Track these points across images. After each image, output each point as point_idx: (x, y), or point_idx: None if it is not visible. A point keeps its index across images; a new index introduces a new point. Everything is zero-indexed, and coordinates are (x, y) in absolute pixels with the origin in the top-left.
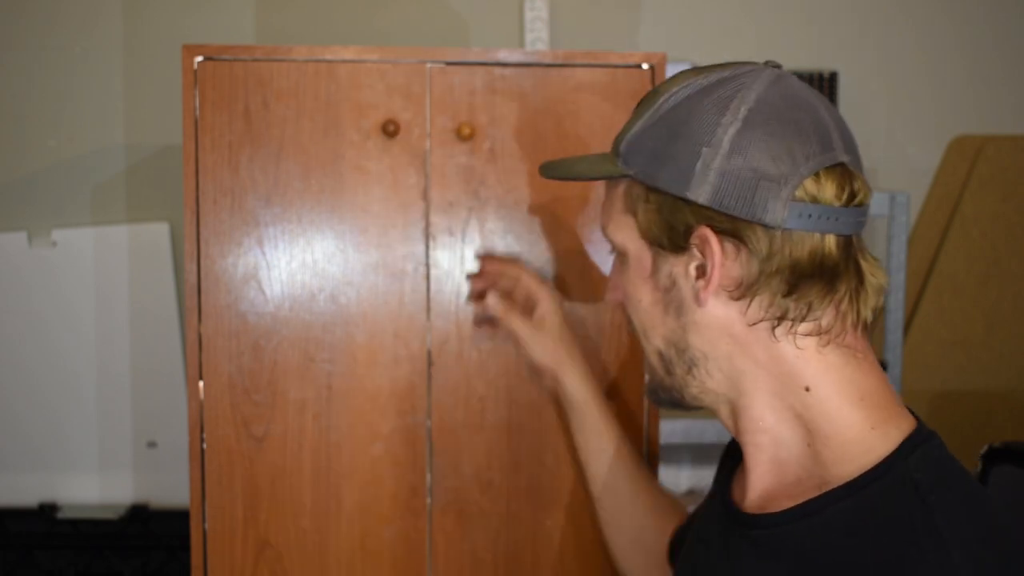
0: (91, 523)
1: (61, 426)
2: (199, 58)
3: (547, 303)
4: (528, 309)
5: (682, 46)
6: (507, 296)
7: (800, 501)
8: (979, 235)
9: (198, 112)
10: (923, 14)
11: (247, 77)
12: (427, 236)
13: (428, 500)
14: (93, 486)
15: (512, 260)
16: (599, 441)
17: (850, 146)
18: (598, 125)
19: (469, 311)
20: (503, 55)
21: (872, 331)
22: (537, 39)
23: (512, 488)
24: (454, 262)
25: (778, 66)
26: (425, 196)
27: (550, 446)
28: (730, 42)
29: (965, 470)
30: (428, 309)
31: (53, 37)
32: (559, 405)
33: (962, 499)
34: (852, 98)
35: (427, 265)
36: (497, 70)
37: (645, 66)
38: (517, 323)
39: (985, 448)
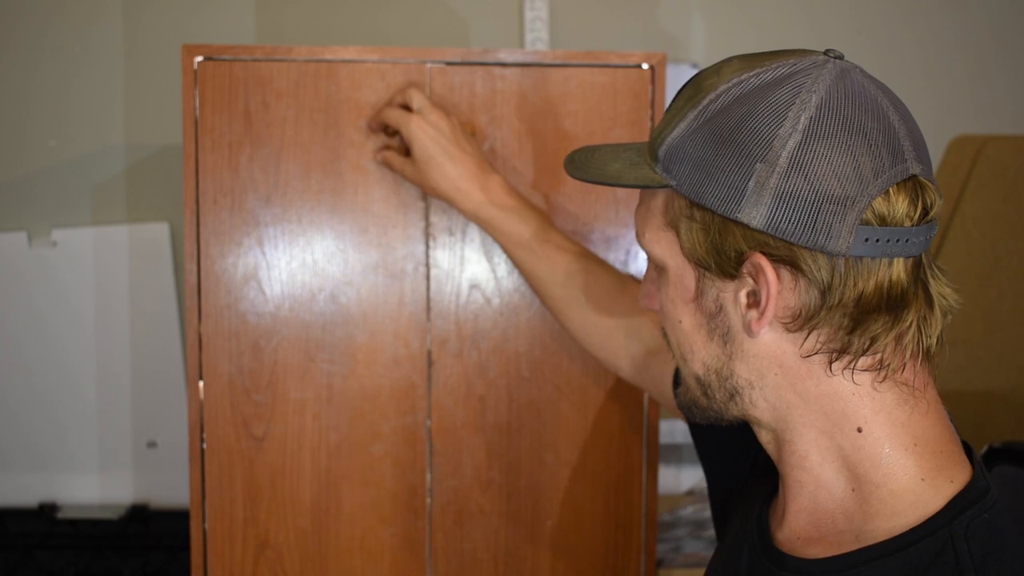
0: (91, 523)
1: (61, 426)
2: (199, 58)
3: (411, 131)
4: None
5: (682, 46)
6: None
7: (837, 552)
8: (979, 235)
9: (198, 112)
10: (922, 14)
11: (247, 77)
12: (427, 236)
13: (428, 500)
14: (93, 486)
15: (392, 111)
16: (528, 254)
17: (921, 152)
18: (598, 125)
19: (469, 311)
20: (503, 55)
21: (937, 360)
22: (537, 39)
23: (512, 488)
24: (454, 262)
25: (840, 56)
26: (425, 196)
27: (550, 446)
28: (730, 42)
29: (1016, 537)
30: (428, 309)
31: (53, 37)
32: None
33: (997, 554)
34: None
35: (427, 265)
36: (497, 70)
37: (645, 66)
38: (397, 165)
39: (985, 448)
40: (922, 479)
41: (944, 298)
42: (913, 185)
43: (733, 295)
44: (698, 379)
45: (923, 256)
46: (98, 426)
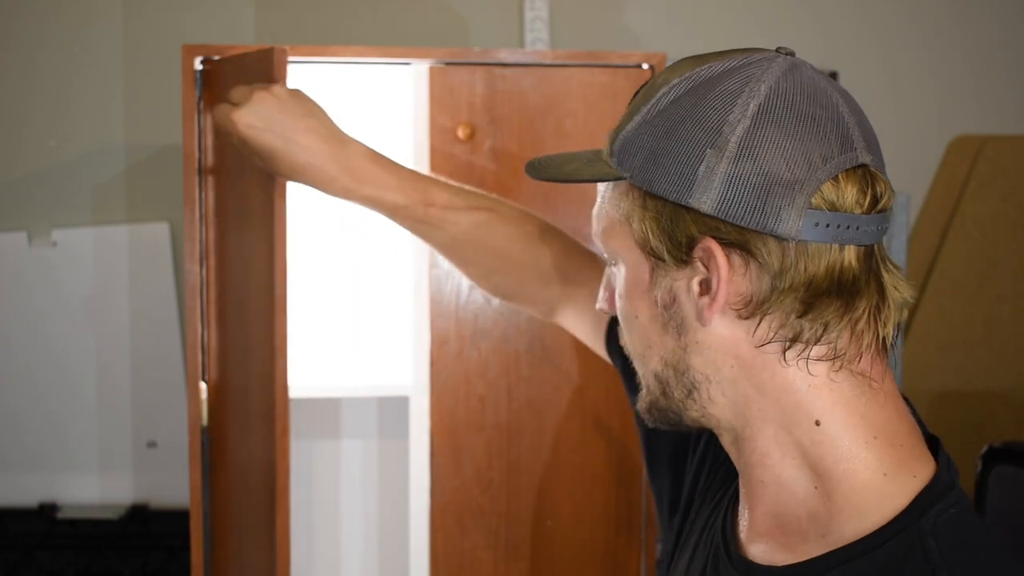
0: (91, 523)
1: (61, 426)
2: (199, 58)
3: (238, 131)
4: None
5: (682, 46)
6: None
7: (805, 557)
8: (979, 235)
9: (198, 112)
10: (923, 14)
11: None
12: None
13: (428, 500)
14: (93, 486)
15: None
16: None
17: (872, 144)
18: (598, 125)
19: (469, 311)
20: (503, 55)
21: (891, 351)
22: (537, 39)
23: (512, 488)
24: None
25: (791, 53)
26: None
27: (550, 446)
28: (730, 42)
29: (986, 530)
30: (428, 309)
31: (53, 37)
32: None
33: (978, 572)
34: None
35: (427, 265)
36: (497, 70)
37: (645, 66)
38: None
39: (985, 448)
40: (884, 474)
41: (898, 291)
42: (863, 173)
43: (686, 284)
44: (657, 376)
45: (876, 248)
46: (98, 426)
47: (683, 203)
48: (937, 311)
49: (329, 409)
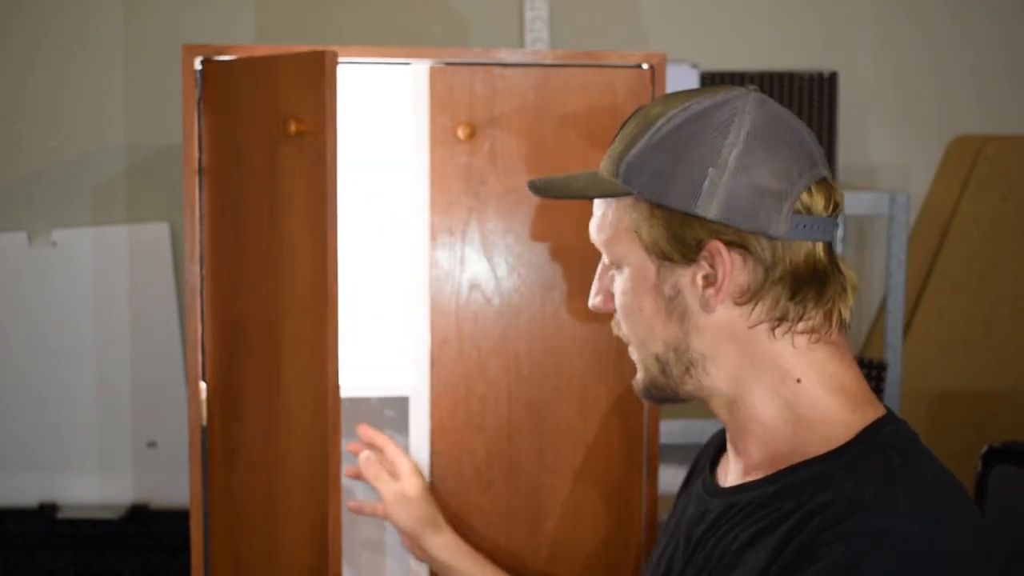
0: (91, 523)
1: (61, 426)
2: (199, 58)
3: (411, 474)
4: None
5: (682, 46)
6: (376, 465)
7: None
8: (979, 235)
9: (198, 112)
10: (923, 14)
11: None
12: (427, 236)
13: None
14: (93, 486)
15: (381, 434)
16: None
17: (824, 159)
18: (598, 125)
19: (469, 311)
20: (503, 55)
21: (849, 327)
22: (537, 39)
23: (512, 488)
24: (454, 262)
25: (757, 89)
26: (425, 196)
27: (550, 446)
28: (730, 42)
29: (929, 451)
30: (428, 309)
31: (53, 37)
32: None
33: (921, 462)
34: (852, 98)
35: (427, 265)
36: (497, 70)
37: (645, 66)
38: (384, 486)
39: (985, 448)
40: (852, 411)
41: (850, 277)
42: (826, 184)
43: (690, 279)
44: (657, 357)
45: (832, 245)
46: (98, 426)
47: (691, 212)
48: (937, 311)
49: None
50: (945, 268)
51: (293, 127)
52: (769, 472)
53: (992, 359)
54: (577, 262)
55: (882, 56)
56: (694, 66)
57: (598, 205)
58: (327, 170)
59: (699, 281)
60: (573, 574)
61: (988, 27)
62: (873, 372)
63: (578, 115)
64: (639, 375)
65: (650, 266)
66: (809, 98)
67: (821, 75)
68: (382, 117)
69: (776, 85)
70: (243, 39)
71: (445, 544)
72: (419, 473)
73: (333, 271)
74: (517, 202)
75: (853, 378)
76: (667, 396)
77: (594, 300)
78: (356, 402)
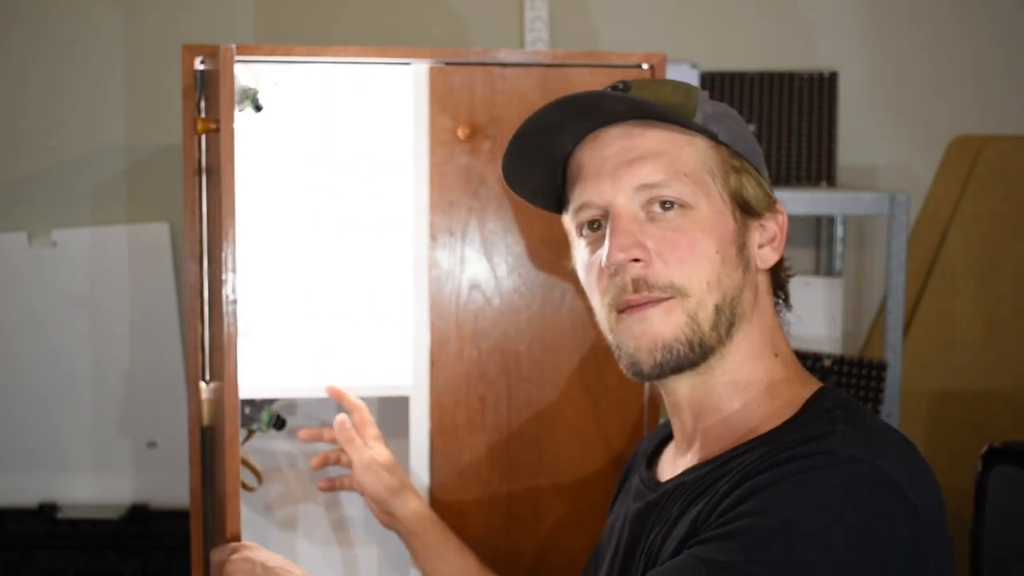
0: (91, 523)
1: (61, 426)
2: (199, 58)
3: (378, 439)
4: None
5: (682, 46)
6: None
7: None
8: (979, 235)
9: (198, 112)
10: (923, 14)
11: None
12: (427, 236)
13: (428, 500)
14: (93, 486)
15: (351, 395)
16: (444, 561)
17: None
18: None
19: (469, 311)
20: (503, 55)
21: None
22: (537, 39)
23: (512, 488)
24: (454, 262)
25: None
26: (425, 196)
27: (550, 446)
28: (730, 42)
29: (870, 411)
30: (428, 309)
31: (53, 37)
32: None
33: (864, 416)
34: (852, 98)
35: (427, 265)
36: (497, 70)
37: (645, 66)
38: (357, 452)
39: (985, 448)
40: (801, 384)
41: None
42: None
43: (756, 233)
44: (717, 308)
45: None
46: (98, 426)
47: (763, 174)
48: (937, 311)
49: (329, 409)
50: (945, 268)
51: (200, 125)
52: (717, 453)
53: (992, 359)
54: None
55: (882, 56)
56: (694, 66)
57: (660, 142)
58: (223, 168)
59: (758, 238)
60: (573, 574)
61: (988, 27)
62: (873, 372)
63: None
64: (682, 331)
65: (727, 211)
66: (809, 98)
67: (821, 75)
68: (382, 117)
69: (776, 85)
70: (243, 39)
71: (414, 511)
72: (383, 440)
73: (231, 272)
74: (517, 202)
75: (792, 351)
76: (695, 359)
77: (630, 252)
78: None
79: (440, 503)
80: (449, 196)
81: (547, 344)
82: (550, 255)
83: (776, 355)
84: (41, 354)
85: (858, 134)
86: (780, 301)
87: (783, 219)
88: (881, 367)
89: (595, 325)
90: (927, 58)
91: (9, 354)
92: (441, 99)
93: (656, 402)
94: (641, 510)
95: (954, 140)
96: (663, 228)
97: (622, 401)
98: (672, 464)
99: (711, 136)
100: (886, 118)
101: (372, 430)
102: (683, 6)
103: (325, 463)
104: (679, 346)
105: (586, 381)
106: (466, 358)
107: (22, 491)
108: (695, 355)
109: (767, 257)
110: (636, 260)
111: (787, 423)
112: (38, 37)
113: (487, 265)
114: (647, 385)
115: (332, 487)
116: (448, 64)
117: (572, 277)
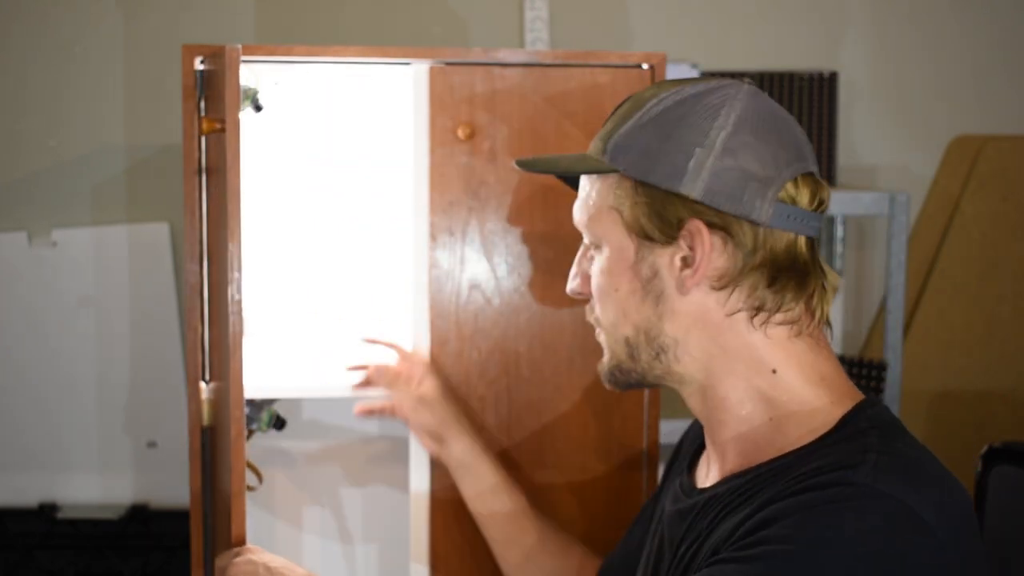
0: (91, 523)
1: (61, 426)
2: (200, 58)
3: (427, 375)
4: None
5: (682, 46)
6: (389, 371)
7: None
8: (979, 235)
9: (198, 112)
10: (923, 14)
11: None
12: (427, 236)
13: (428, 500)
14: (93, 486)
15: (387, 341)
16: (496, 499)
17: (814, 158)
18: (598, 125)
19: (469, 311)
20: (503, 55)
21: (830, 325)
22: (537, 39)
23: None
24: (454, 262)
25: (753, 83)
26: (425, 196)
27: (550, 446)
28: (730, 42)
29: (907, 429)
30: (428, 309)
31: (53, 37)
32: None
33: (898, 441)
34: (852, 98)
35: (427, 265)
36: (497, 70)
37: (645, 66)
38: (403, 391)
39: (985, 448)
40: (831, 403)
41: (831, 278)
42: (813, 179)
43: (669, 259)
44: (627, 341)
45: (815, 242)
46: (98, 426)
47: (674, 190)
48: (937, 311)
49: (329, 409)
50: (945, 268)
51: (205, 125)
52: (748, 466)
53: (992, 359)
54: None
55: (882, 56)
56: (694, 66)
57: (583, 186)
58: (228, 168)
59: (677, 262)
60: None
61: (988, 27)
62: (873, 372)
63: (578, 115)
64: (605, 359)
65: (629, 245)
66: (809, 98)
67: (821, 75)
68: (382, 117)
69: (776, 85)
70: (243, 39)
71: (468, 446)
72: (434, 373)
73: (236, 272)
74: (517, 202)
75: (832, 368)
76: (632, 382)
77: (572, 284)
78: (357, 401)
79: (441, 503)
80: (449, 196)
81: (547, 344)
82: (550, 255)
83: (774, 371)
84: (41, 354)
85: (858, 134)
86: (770, 315)
87: (701, 238)
88: (881, 367)
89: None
90: (927, 58)
91: (9, 354)
92: (441, 99)
93: (656, 402)
94: (675, 516)
95: (954, 140)
96: (589, 266)
97: (622, 401)
98: (707, 470)
99: (616, 171)
100: (886, 118)
101: (418, 367)
102: (683, 6)
103: (370, 412)
104: (610, 374)
105: (586, 381)
106: (466, 358)
107: (22, 491)
108: (630, 379)
109: (685, 282)
110: (580, 293)
111: (820, 440)
112: (38, 37)
113: (487, 265)
114: None
115: (371, 412)
116: (448, 64)
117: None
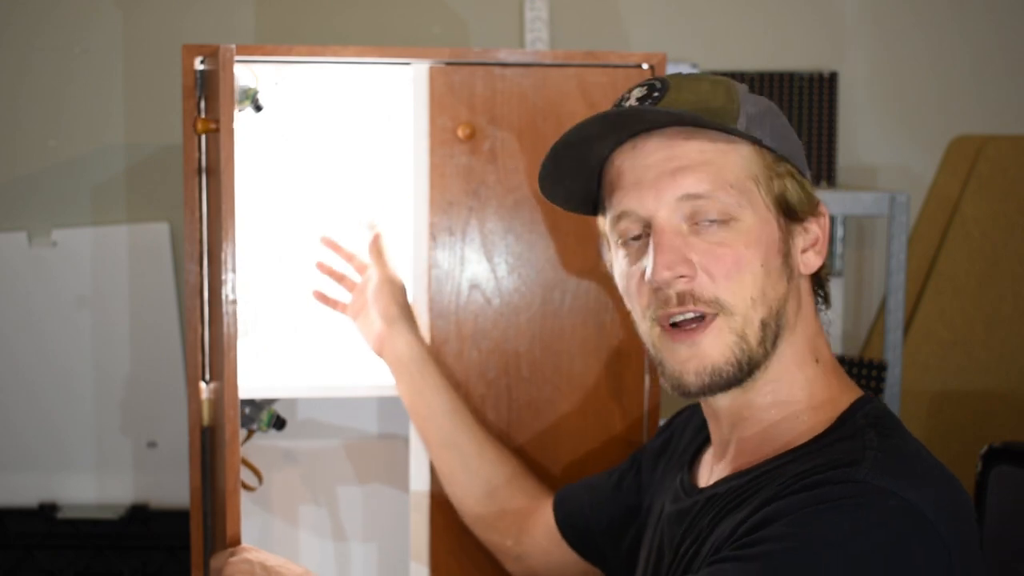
0: (91, 523)
1: (61, 426)
2: (199, 58)
3: (379, 269)
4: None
5: (682, 46)
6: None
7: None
8: (979, 235)
9: (198, 112)
10: (924, 14)
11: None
12: (427, 236)
13: (428, 499)
14: (93, 486)
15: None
16: (436, 397)
17: None
18: None
19: (469, 311)
20: (503, 55)
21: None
22: (537, 39)
23: None
24: (454, 262)
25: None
26: (425, 196)
27: (550, 446)
28: (730, 42)
29: (903, 424)
30: (428, 309)
31: (53, 37)
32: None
33: (894, 437)
34: (852, 98)
35: (427, 265)
36: (497, 70)
37: (645, 66)
38: (381, 266)
39: (985, 448)
40: (841, 393)
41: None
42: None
43: (800, 238)
44: (763, 323)
45: None
46: (98, 426)
47: (804, 175)
48: (937, 311)
49: (329, 409)
50: (945, 268)
51: (200, 125)
52: (751, 464)
53: (992, 359)
54: (577, 260)
55: (882, 56)
56: (694, 66)
57: (703, 150)
58: (223, 168)
59: (800, 243)
60: None
61: (988, 27)
62: (873, 372)
63: (578, 115)
64: (725, 350)
65: (771, 219)
66: (809, 98)
67: (821, 75)
68: (382, 117)
69: (776, 85)
70: (243, 39)
71: (416, 342)
72: (388, 267)
73: (230, 272)
74: (517, 202)
75: (834, 360)
76: (743, 377)
77: (675, 270)
78: (356, 402)
79: (441, 503)
80: (449, 196)
81: (547, 344)
82: (550, 255)
83: (817, 361)
84: (41, 354)
85: (858, 134)
86: (820, 301)
87: (825, 220)
88: (881, 367)
89: (627, 328)
90: (927, 58)
91: (9, 354)
92: (441, 99)
93: (656, 402)
94: (675, 515)
95: (954, 140)
96: (708, 241)
97: (622, 401)
98: (709, 469)
99: (755, 141)
100: (886, 118)
101: (375, 259)
102: (683, 6)
103: (324, 301)
104: (728, 368)
105: (586, 381)
106: (466, 358)
107: (22, 491)
108: (743, 374)
109: (811, 262)
110: (681, 276)
111: (818, 438)
112: (38, 37)
113: (487, 265)
114: (647, 385)
115: (325, 301)
116: (448, 64)
117: (572, 277)
